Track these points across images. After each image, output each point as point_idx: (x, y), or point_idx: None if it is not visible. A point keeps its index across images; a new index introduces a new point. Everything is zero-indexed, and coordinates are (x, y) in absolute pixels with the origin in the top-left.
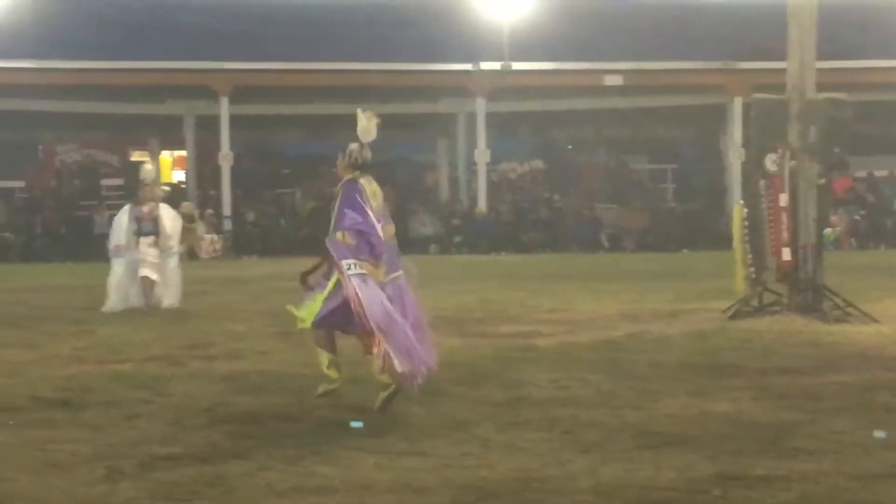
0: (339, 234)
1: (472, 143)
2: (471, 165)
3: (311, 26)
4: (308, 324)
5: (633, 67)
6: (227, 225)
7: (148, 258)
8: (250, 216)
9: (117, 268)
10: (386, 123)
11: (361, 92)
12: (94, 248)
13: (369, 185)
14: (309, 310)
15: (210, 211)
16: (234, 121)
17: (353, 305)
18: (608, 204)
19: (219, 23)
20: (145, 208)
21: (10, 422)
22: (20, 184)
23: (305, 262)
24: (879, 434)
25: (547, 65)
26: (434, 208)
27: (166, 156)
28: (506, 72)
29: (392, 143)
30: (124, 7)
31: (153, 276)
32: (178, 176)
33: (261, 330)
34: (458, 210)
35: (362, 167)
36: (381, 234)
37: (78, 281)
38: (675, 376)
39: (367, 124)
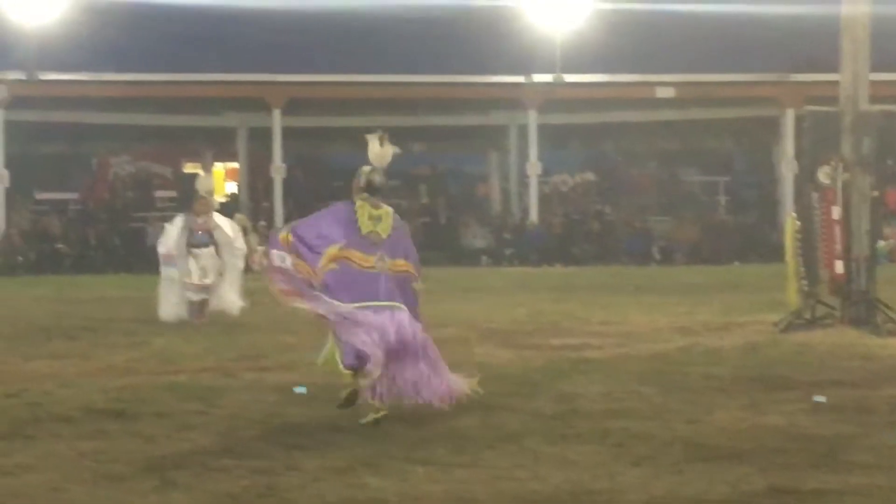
0: (283, 233)
1: (523, 156)
2: (522, 177)
3: (364, 39)
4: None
5: (684, 79)
6: None
7: (195, 279)
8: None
9: (166, 278)
10: (438, 135)
11: (414, 104)
12: (147, 260)
13: (374, 210)
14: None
15: (263, 223)
16: (287, 133)
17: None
18: (660, 216)
19: (272, 35)
20: (199, 220)
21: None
22: (74, 196)
23: None
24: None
25: (599, 77)
26: (486, 220)
27: (219, 168)
28: (558, 84)
29: (444, 155)
30: (178, 19)
31: (199, 297)
32: (231, 188)
33: (312, 341)
34: (509, 222)
35: (372, 190)
36: (319, 258)
37: (131, 292)
38: (728, 389)
39: (380, 149)
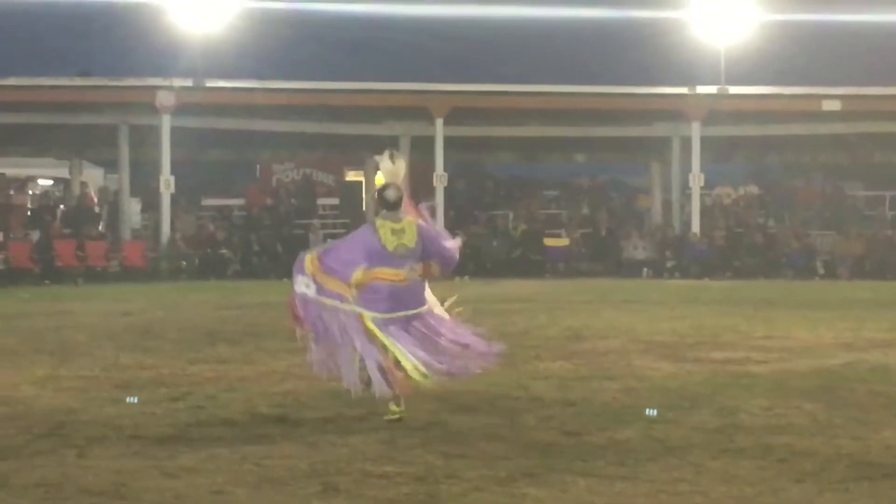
0: (309, 256)
1: (686, 168)
2: (684, 189)
3: (527, 49)
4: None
5: (851, 92)
6: None
7: None
8: (463, 237)
9: None
10: (600, 146)
11: (576, 115)
12: None
13: (395, 224)
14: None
15: None
16: (449, 142)
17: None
18: (824, 230)
19: (436, 44)
20: None
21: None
22: (238, 202)
23: (518, 284)
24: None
25: (763, 89)
26: (647, 232)
27: (381, 176)
28: (722, 96)
29: (605, 166)
30: (344, 28)
31: None
32: None
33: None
34: (670, 234)
35: (389, 206)
36: (348, 278)
37: None
38: (894, 407)
39: (392, 166)
